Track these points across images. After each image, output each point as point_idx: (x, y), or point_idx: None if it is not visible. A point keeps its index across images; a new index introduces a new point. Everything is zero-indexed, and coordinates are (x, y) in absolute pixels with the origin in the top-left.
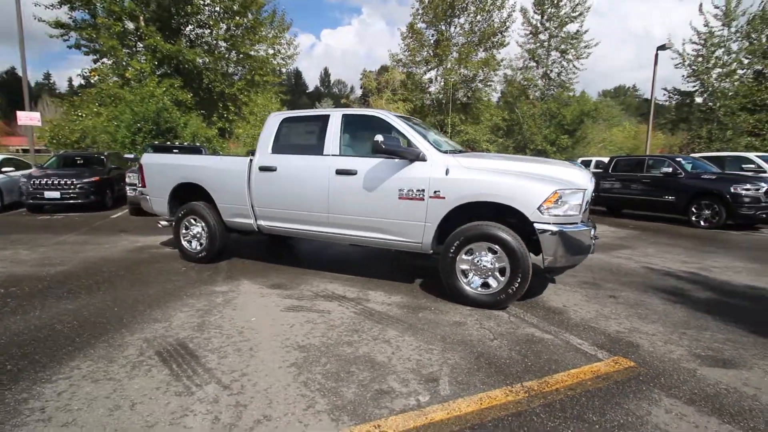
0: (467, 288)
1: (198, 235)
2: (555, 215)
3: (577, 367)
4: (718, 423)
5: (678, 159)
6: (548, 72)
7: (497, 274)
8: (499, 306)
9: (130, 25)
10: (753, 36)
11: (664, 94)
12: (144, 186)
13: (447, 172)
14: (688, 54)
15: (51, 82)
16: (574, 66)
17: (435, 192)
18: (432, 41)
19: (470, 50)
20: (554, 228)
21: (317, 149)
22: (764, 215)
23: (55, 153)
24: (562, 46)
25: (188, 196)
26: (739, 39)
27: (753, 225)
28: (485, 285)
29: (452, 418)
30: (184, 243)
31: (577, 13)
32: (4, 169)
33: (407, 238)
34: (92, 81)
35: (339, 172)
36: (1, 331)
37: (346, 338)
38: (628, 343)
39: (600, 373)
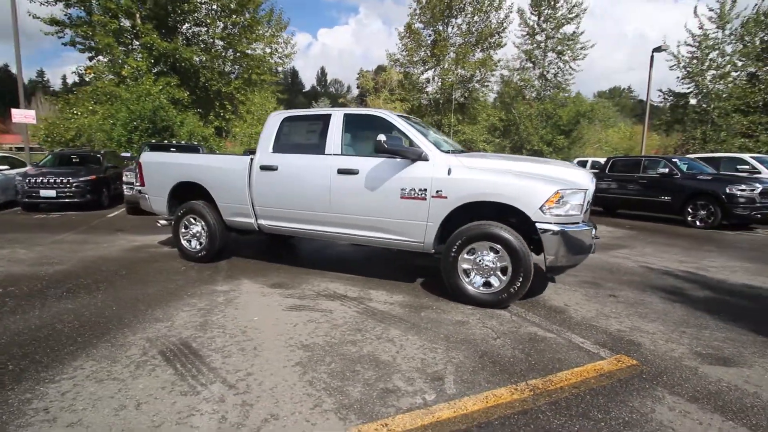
0: (469, 287)
1: (198, 235)
2: (557, 215)
3: (581, 365)
4: (721, 420)
5: (674, 160)
6: (545, 73)
7: (499, 273)
8: (500, 305)
9: (126, 23)
10: (747, 39)
11: (659, 96)
12: (143, 185)
13: (449, 172)
14: (682, 56)
15: (45, 79)
16: (570, 67)
17: (437, 192)
18: (429, 41)
19: (467, 50)
20: (556, 228)
21: (319, 148)
22: (759, 215)
23: (51, 151)
24: (559, 47)
25: (187, 195)
26: (733, 41)
27: (747, 225)
28: (487, 284)
29: (459, 417)
30: (184, 242)
31: (573, 15)
32: None
33: (409, 238)
34: (87, 79)
35: (341, 171)
36: (1, 330)
37: (350, 337)
38: (630, 341)
39: (603, 371)
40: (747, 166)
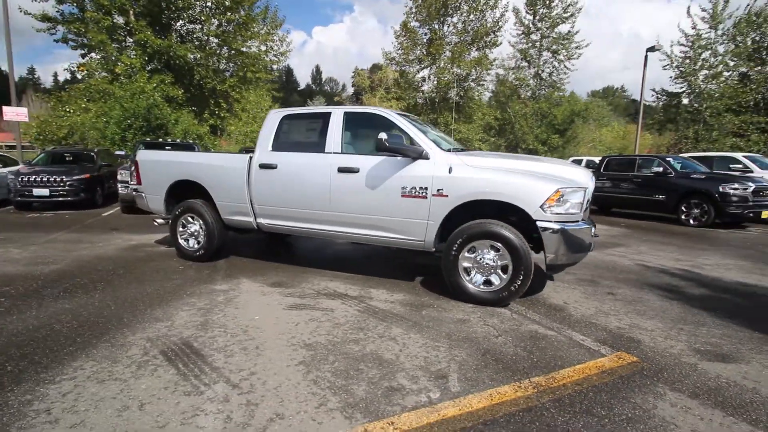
0: (470, 285)
1: (196, 233)
2: (557, 213)
3: (582, 362)
4: (722, 415)
5: (668, 159)
6: (540, 72)
7: (499, 271)
8: (501, 303)
9: (120, 20)
10: (738, 39)
11: (653, 95)
12: (139, 183)
13: (450, 171)
14: (675, 56)
15: (35, 77)
16: (565, 66)
17: (438, 190)
18: (425, 40)
19: (463, 49)
20: (556, 226)
21: (319, 147)
22: (751, 214)
23: (43, 150)
24: (554, 47)
25: (185, 193)
26: (726, 42)
27: (740, 223)
28: (487, 282)
29: (464, 414)
30: (181, 241)
31: (568, 14)
32: None
33: (410, 236)
34: (80, 76)
35: (341, 169)
36: None
37: (352, 336)
38: (630, 338)
39: (605, 368)
40: (739, 165)
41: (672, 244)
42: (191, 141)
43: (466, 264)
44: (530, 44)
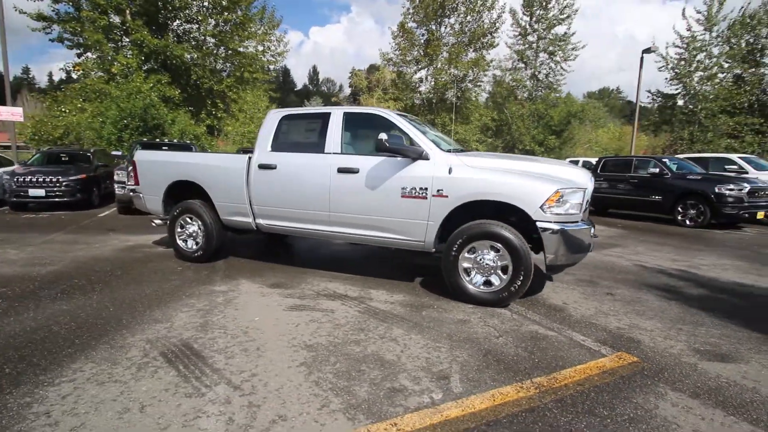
0: (470, 286)
1: (194, 234)
2: (557, 214)
3: (583, 362)
4: (723, 415)
5: (664, 160)
6: (536, 73)
7: (499, 272)
8: (501, 304)
9: (116, 19)
10: (733, 41)
11: (648, 97)
12: (137, 183)
13: (450, 171)
14: (671, 57)
15: (30, 76)
16: (561, 67)
17: (438, 190)
18: (422, 41)
19: (460, 50)
20: (556, 226)
21: (318, 147)
22: (747, 215)
23: (38, 150)
24: (550, 48)
25: (183, 194)
26: (720, 43)
27: (735, 224)
28: (487, 283)
29: (467, 415)
30: (180, 242)
31: (564, 16)
32: None
33: (410, 237)
34: (75, 76)
35: (341, 170)
36: None
37: (353, 337)
38: (629, 338)
39: (606, 368)
40: (734, 166)
41: (668, 245)
42: (188, 141)
43: (466, 264)
44: (527, 45)
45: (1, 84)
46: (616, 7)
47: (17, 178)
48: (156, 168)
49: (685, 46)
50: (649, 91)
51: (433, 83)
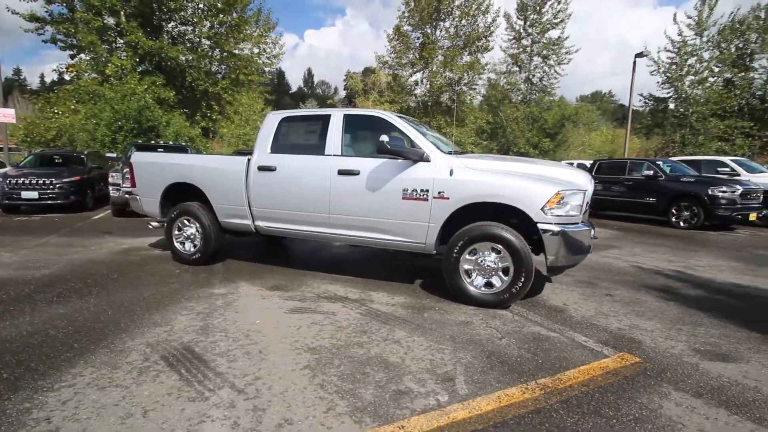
0: (471, 288)
1: (192, 237)
2: (557, 216)
3: (586, 363)
4: (726, 414)
5: (658, 162)
6: (530, 77)
7: (501, 273)
8: (502, 305)
9: (110, 20)
10: (723, 45)
11: (640, 100)
12: (134, 186)
13: (451, 173)
14: (662, 61)
15: (21, 77)
16: (555, 71)
17: (439, 192)
18: (418, 44)
19: (455, 54)
20: (556, 228)
21: (318, 149)
22: (739, 216)
23: (30, 152)
24: (544, 52)
25: (180, 196)
26: (711, 48)
27: (728, 225)
28: (488, 285)
29: (474, 417)
30: (177, 244)
31: (558, 20)
32: None
33: (411, 239)
34: (68, 77)
35: (341, 172)
36: None
37: (356, 339)
38: (631, 339)
39: (609, 369)
40: (727, 169)
41: (664, 246)
42: (183, 143)
43: (467, 266)
44: (521, 49)
45: None
46: (608, 13)
47: (9, 180)
48: (153, 170)
49: (676, 50)
50: (641, 95)
51: (428, 86)
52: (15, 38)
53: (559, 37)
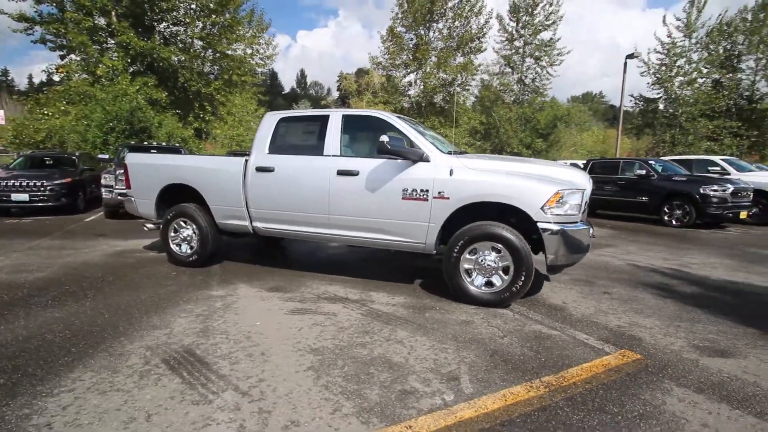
0: (471, 287)
1: (188, 238)
2: (557, 215)
3: (589, 361)
4: (728, 409)
5: (650, 162)
6: (523, 78)
7: (501, 272)
8: (503, 304)
9: (101, 21)
10: (711, 47)
11: (631, 101)
12: (129, 187)
13: (451, 173)
14: (652, 63)
15: (9, 78)
16: (547, 72)
17: (439, 192)
18: (411, 45)
19: (449, 55)
20: (556, 227)
21: (317, 150)
22: (730, 214)
23: (19, 153)
24: (536, 53)
25: (175, 197)
26: (699, 50)
27: (720, 224)
28: (489, 284)
29: (481, 416)
30: (173, 246)
31: (550, 22)
32: None
33: (411, 239)
34: (58, 78)
35: (340, 172)
36: None
37: (358, 340)
38: (631, 336)
39: (611, 366)
40: (717, 168)
41: (658, 244)
42: (176, 144)
43: (467, 266)
44: (514, 51)
45: None
46: (598, 14)
47: None
48: (148, 171)
49: (665, 52)
50: (631, 96)
51: (422, 87)
52: (2, 38)
53: (551, 38)
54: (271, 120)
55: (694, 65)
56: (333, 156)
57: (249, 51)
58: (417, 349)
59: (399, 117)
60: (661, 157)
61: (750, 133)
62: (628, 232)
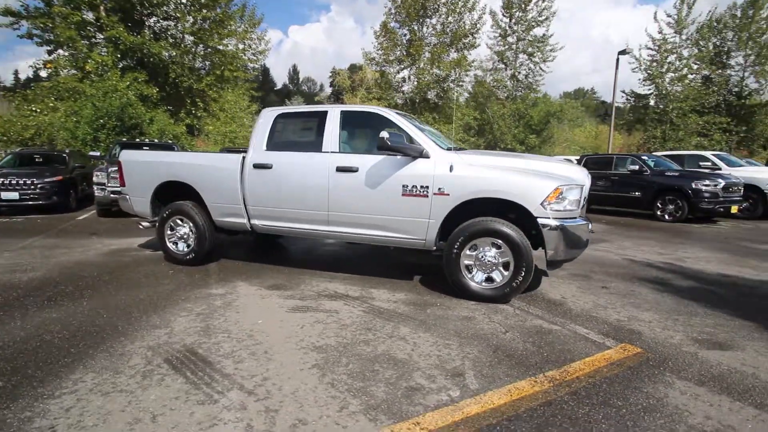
0: (471, 283)
1: (185, 236)
2: (556, 210)
3: (591, 355)
4: (729, 401)
5: (643, 157)
6: (516, 74)
7: (501, 268)
8: (503, 300)
9: (90, 15)
10: (701, 43)
11: (622, 97)
12: (123, 185)
13: (451, 169)
14: (644, 59)
15: None
16: (540, 68)
17: (439, 189)
18: (405, 41)
19: (442, 50)
20: (555, 223)
21: (315, 146)
22: (722, 209)
23: (5, 151)
24: (529, 49)
25: (172, 195)
26: (690, 46)
27: (711, 218)
28: (489, 279)
29: (487, 411)
30: (170, 245)
31: (543, 18)
32: None
33: (411, 236)
34: (46, 74)
35: (340, 169)
36: None
37: (361, 337)
38: (630, 330)
39: (613, 360)
40: (708, 163)
41: (652, 239)
42: (168, 141)
43: (467, 262)
44: (507, 47)
45: None
46: (590, 11)
47: None
48: (143, 168)
49: (656, 48)
50: (623, 92)
51: (415, 83)
52: None
53: (544, 34)
54: (268, 116)
55: (684, 61)
56: (332, 152)
57: (241, 46)
58: (420, 346)
59: (398, 113)
60: (653, 153)
61: (739, 128)
62: (623, 227)
